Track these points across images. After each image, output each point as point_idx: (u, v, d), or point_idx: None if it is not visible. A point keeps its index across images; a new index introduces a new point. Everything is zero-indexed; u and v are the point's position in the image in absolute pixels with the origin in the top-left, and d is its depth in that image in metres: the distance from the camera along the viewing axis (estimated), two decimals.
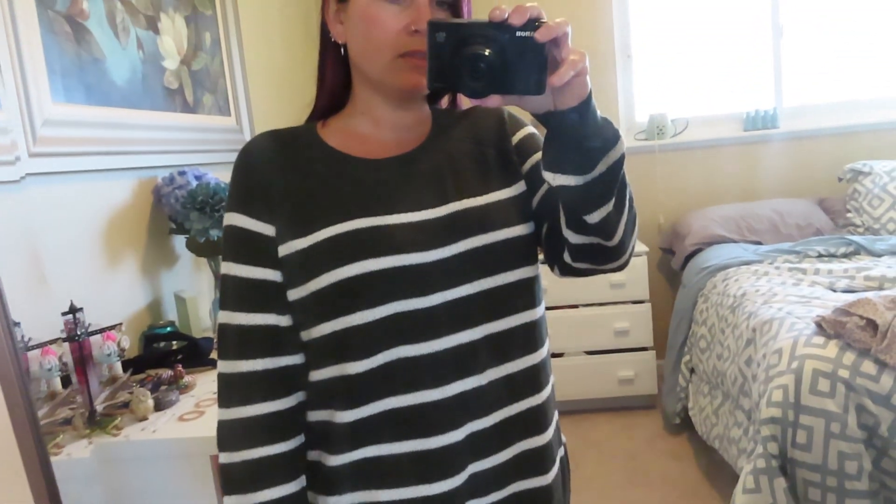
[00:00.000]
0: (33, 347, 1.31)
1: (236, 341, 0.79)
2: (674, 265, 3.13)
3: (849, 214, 3.02)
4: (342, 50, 0.86)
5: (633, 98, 3.46)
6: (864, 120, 3.25)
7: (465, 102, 0.97)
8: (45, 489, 0.67)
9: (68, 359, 1.34)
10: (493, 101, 0.66)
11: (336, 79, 0.87)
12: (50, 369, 1.29)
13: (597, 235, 0.76)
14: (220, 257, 0.84)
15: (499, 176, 0.85)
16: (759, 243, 2.93)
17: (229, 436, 0.78)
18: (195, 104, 2.07)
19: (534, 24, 0.64)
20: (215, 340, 1.01)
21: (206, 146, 2.07)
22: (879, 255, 2.61)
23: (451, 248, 0.77)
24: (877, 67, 3.32)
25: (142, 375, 1.48)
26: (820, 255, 2.67)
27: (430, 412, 0.76)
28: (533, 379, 0.82)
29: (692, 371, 2.66)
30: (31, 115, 1.40)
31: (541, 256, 0.85)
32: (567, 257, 0.82)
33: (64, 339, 1.24)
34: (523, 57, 0.65)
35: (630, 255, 0.82)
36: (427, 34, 0.67)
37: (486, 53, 0.65)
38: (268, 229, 0.79)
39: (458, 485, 0.77)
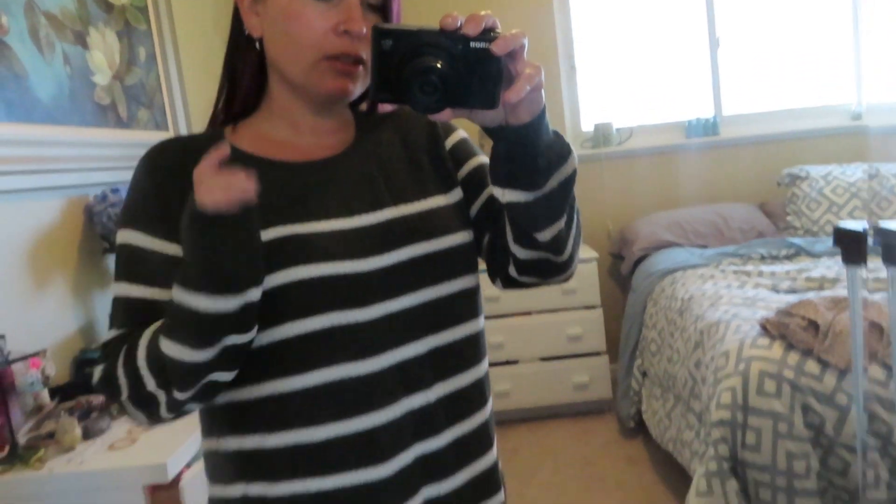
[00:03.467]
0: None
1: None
2: (623, 270, 3.16)
3: (788, 218, 3.10)
4: (257, 45, 0.77)
5: (579, 108, 3.50)
6: (799, 127, 3.37)
7: (385, 107, 0.90)
8: None
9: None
10: (444, 115, 0.63)
11: (250, 78, 0.79)
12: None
13: (547, 251, 0.74)
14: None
15: (434, 182, 0.81)
16: (705, 247, 2.98)
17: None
18: (129, 119, 1.99)
19: (489, 34, 0.60)
20: None
21: None
22: (818, 256, 2.68)
23: (390, 255, 0.73)
24: (809, 77, 3.44)
25: (72, 403, 1.41)
26: (763, 258, 2.73)
27: (378, 435, 0.71)
28: (480, 393, 0.79)
29: (644, 374, 2.68)
30: None
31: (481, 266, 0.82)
32: (513, 271, 0.79)
33: None
34: (477, 69, 0.61)
35: (575, 267, 0.80)
36: (371, 40, 0.62)
37: (439, 66, 0.60)
38: (175, 249, 0.70)
39: None
